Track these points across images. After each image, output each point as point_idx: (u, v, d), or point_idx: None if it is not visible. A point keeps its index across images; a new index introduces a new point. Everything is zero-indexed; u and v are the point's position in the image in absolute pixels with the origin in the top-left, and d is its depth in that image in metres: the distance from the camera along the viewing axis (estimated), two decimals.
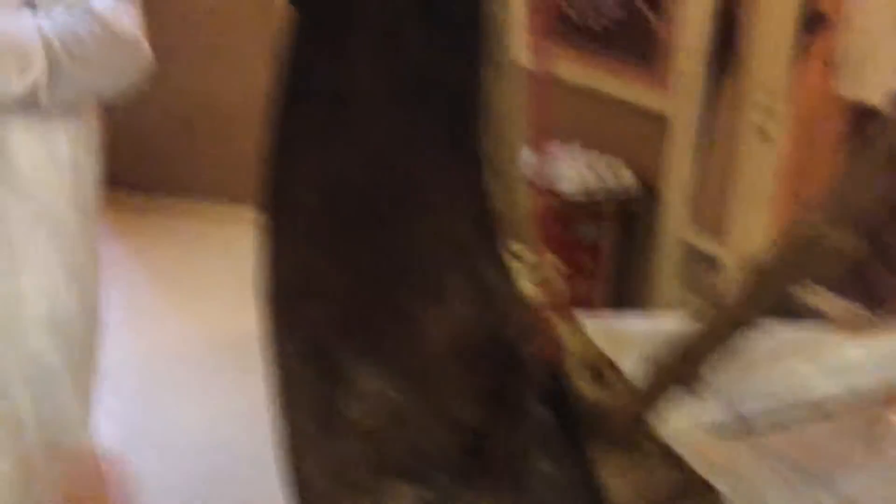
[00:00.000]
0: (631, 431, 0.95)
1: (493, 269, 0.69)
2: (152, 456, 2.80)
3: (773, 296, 0.86)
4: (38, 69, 1.34)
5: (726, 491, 0.94)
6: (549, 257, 0.73)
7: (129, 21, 1.50)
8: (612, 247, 3.47)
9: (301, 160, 0.66)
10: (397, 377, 0.65)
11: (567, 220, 3.29)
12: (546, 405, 0.66)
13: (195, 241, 4.28)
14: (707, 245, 3.24)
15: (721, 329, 1.00)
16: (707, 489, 0.96)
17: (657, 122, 3.47)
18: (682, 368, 1.02)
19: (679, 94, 3.39)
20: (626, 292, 3.56)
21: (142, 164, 4.73)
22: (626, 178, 3.52)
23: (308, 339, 0.65)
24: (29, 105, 1.40)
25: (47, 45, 1.36)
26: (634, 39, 3.59)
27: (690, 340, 1.00)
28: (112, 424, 2.97)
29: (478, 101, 0.71)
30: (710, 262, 3.27)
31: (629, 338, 1.21)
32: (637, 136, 3.59)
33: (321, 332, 0.65)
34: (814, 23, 2.79)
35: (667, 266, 3.40)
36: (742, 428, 1.09)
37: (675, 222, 3.45)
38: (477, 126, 0.70)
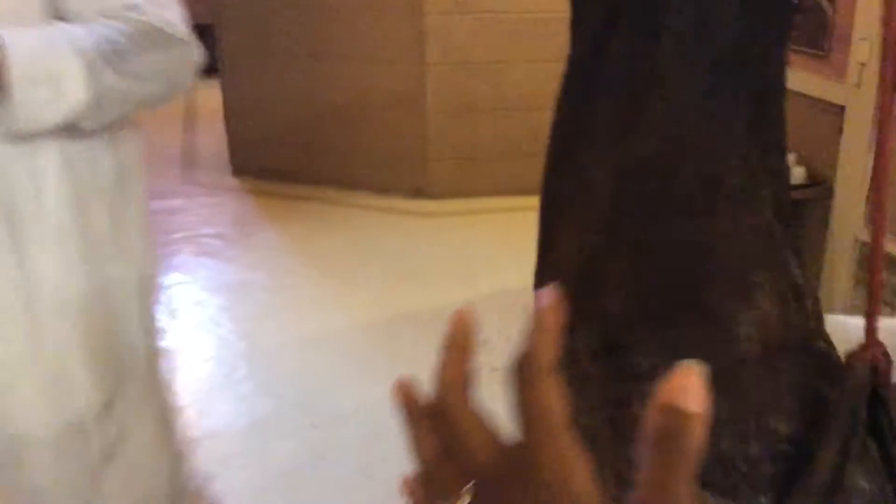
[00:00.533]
0: None
1: (797, 263, 0.65)
2: (306, 439, 2.87)
3: None
4: (76, 95, 1.16)
5: None
6: None
7: (175, 18, 1.32)
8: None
9: (597, 144, 0.63)
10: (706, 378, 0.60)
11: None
12: (861, 415, 0.60)
13: (351, 230, 4.36)
14: (889, 245, 3.06)
15: None
16: None
17: (833, 115, 3.31)
18: None
19: (856, 85, 3.22)
20: None
21: (303, 157, 4.87)
22: (799, 172, 3.38)
23: (600, 333, 0.61)
24: (71, 129, 1.23)
25: (89, 65, 1.18)
26: (810, 29, 3.44)
27: None
28: (265, 404, 3.10)
29: (780, 85, 0.67)
30: (888, 262, 3.10)
31: None
32: (812, 128, 3.43)
33: (615, 327, 0.61)
34: None
35: (840, 265, 3.24)
36: None
37: (849, 219, 3.28)
38: (777, 111, 0.66)
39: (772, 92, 0.65)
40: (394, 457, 2.88)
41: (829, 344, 0.63)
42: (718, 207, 0.62)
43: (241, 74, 4.83)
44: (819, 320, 0.63)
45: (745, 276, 0.62)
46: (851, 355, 0.63)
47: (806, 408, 0.62)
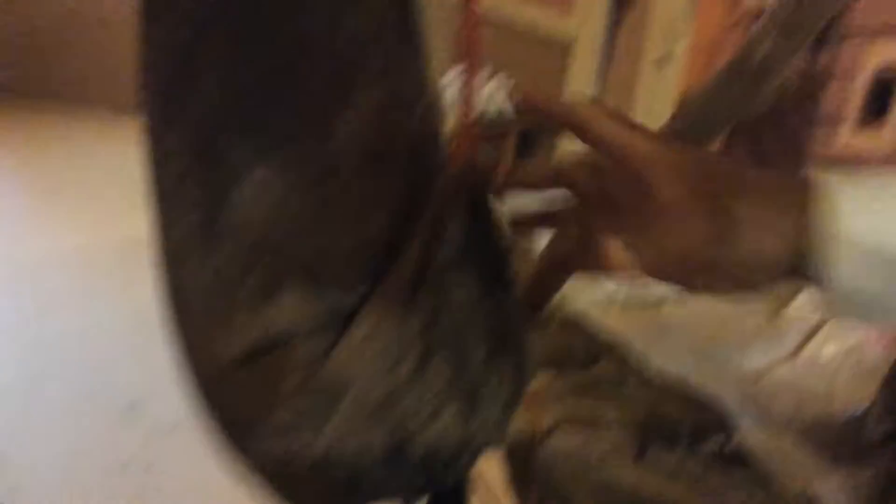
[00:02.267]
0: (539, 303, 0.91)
1: (413, 71, 0.63)
2: (39, 365, 2.66)
3: None
4: None
5: (633, 352, 0.93)
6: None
7: None
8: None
9: None
10: (299, 176, 0.58)
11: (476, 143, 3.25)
12: (463, 227, 0.60)
13: (78, 148, 4.06)
14: None
15: None
16: (610, 352, 0.94)
17: (561, 48, 3.45)
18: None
19: (582, 19, 3.37)
20: None
21: (31, 69, 4.48)
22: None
23: (194, 132, 0.57)
24: None
25: None
26: None
27: None
28: None
29: None
30: None
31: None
32: (542, 62, 3.56)
33: (210, 124, 0.57)
34: None
35: None
36: (643, 302, 1.08)
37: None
38: None
39: None
40: (121, 380, 2.74)
41: (440, 148, 0.63)
42: (320, 1, 0.58)
43: None
44: (430, 125, 0.62)
45: (346, 77, 0.59)
46: (448, 141, 0.62)
47: (404, 209, 0.61)
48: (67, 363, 2.69)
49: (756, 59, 0.73)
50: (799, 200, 0.51)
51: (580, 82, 3.43)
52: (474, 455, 0.71)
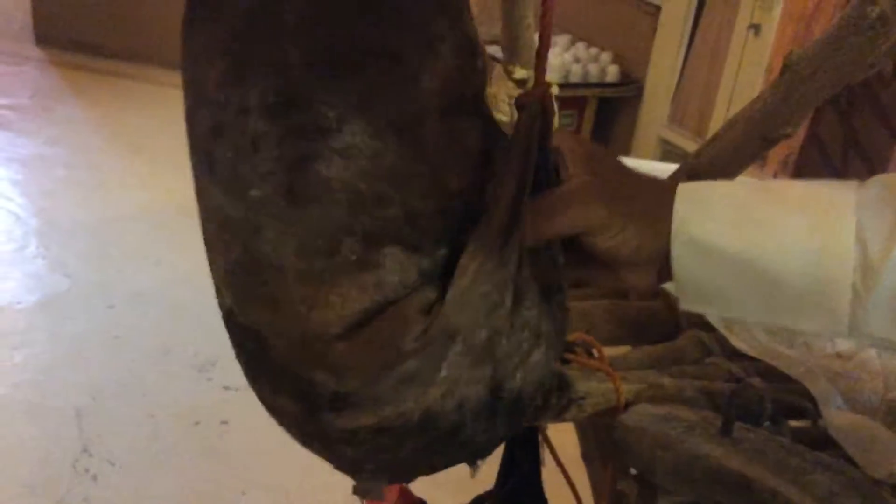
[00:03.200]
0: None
1: (469, 16, 0.62)
2: (117, 322, 2.74)
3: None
4: None
5: (716, 325, 0.91)
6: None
7: None
8: (591, 138, 3.41)
9: None
10: (389, 131, 0.57)
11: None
12: (533, 151, 0.60)
13: (160, 109, 4.14)
14: (687, 144, 3.18)
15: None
16: (692, 323, 0.92)
17: (649, 15, 3.37)
18: None
19: None
20: None
21: (115, 30, 4.58)
22: (613, 71, 3.45)
23: (279, 87, 0.56)
24: None
25: None
26: None
27: None
28: (58, 283, 2.93)
29: None
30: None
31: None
32: (628, 28, 3.49)
33: (295, 77, 0.56)
34: None
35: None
36: None
37: (655, 118, 3.38)
38: None
39: None
40: (190, 337, 2.79)
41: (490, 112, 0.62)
42: None
43: None
44: (484, 83, 0.61)
45: (428, 25, 0.58)
46: (523, 94, 0.62)
47: (477, 166, 0.60)
48: (145, 320, 2.77)
49: (871, 17, 0.69)
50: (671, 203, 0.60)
51: (668, 47, 3.35)
52: (552, 398, 0.71)
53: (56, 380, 2.45)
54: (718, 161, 0.86)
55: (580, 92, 3.40)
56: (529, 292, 0.62)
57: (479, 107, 0.61)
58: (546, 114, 0.60)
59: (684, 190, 0.60)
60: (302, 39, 0.56)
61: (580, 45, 3.57)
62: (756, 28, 2.88)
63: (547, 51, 0.62)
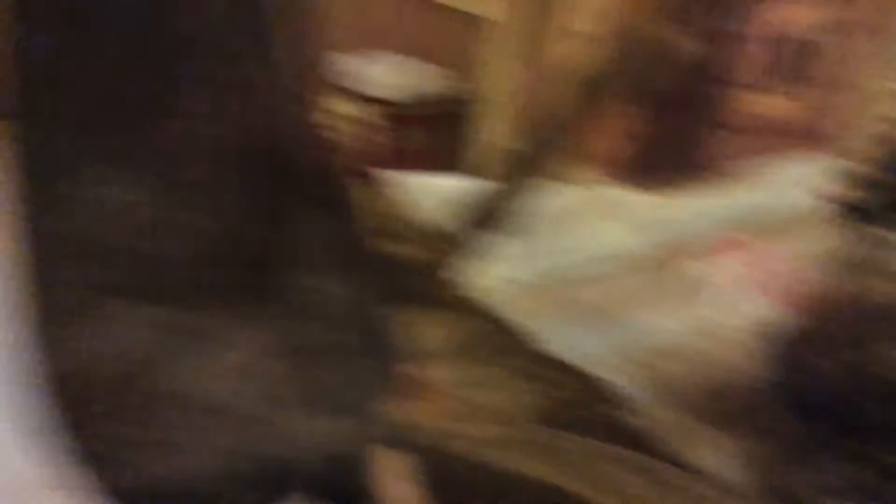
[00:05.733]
0: (433, 285, 0.90)
1: (262, 62, 0.60)
2: None
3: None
4: None
5: (533, 332, 0.91)
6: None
7: None
8: (434, 154, 3.42)
9: None
10: (150, 181, 0.55)
11: (393, 126, 3.24)
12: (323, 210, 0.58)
13: None
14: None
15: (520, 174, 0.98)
16: (513, 337, 0.93)
17: (478, 28, 3.42)
18: (483, 219, 0.99)
19: None
20: None
21: None
22: (449, 85, 3.49)
23: (53, 131, 0.53)
24: None
25: None
26: None
27: (491, 193, 0.97)
28: None
29: None
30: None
31: (432, 193, 1.17)
32: (457, 42, 3.53)
33: (64, 130, 0.53)
34: None
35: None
36: (549, 282, 1.07)
37: (497, 130, 3.43)
38: None
39: None
40: None
41: (301, 148, 0.61)
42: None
43: None
44: (293, 121, 0.60)
45: (207, 69, 0.56)
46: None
47: (265, 208, 0.58)
48: None
49: None
50: None
51: (501, 58, 3.41)
52: (352, 458, 0.69)
53: None
54: None
55: (414, 111, 3.42)
56: (308, 352, 0.60)
57: (276, 151, 0.58)
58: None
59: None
60: (73, 98, 0.53)
61: (412, 62, 3.59)
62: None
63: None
